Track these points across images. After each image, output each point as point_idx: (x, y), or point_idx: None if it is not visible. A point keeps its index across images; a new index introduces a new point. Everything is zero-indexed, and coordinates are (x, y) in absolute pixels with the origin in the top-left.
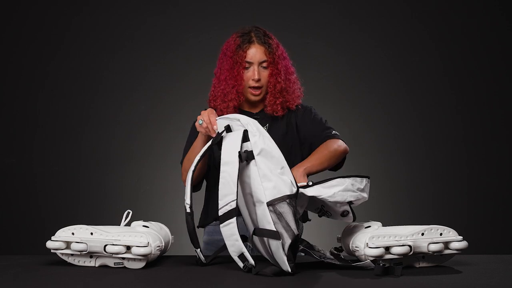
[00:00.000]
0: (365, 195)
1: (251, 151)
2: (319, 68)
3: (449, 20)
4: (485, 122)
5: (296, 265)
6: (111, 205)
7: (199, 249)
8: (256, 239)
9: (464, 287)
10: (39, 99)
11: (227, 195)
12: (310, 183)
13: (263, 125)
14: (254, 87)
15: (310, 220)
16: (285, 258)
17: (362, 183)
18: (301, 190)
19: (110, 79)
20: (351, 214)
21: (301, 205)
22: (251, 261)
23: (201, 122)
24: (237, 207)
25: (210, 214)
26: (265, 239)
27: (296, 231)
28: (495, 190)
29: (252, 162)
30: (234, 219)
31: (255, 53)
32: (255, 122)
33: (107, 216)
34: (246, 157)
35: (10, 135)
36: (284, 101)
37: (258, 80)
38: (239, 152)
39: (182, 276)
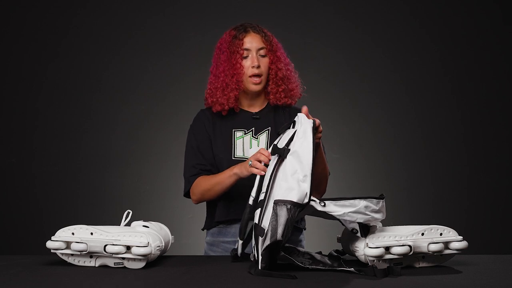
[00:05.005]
0: (379, 216)
1: (289, 150)
2: (319, 68)
3: (449, 20)
4: (485, 122)
5: (295, 265)
6: (111, 205)
7: (241, 241)
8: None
9: (464, 287)
10: (39, 99)
11: (264, 185)
12: (323, 204)
13: (263, 128)
14: (254, 75)
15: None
16: (260, 257)
17: (378, 204)
18: (312, 203)
19: (110, 79)
20: (359, 234)
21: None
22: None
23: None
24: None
25: (215, 219)
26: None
27: (280, 237)
28: (495, 190)
29: (285, 159)
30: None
31: (251, 40)
32: (309, 124)
33: (107, 216)
34: (280, 153)
35: (10, 135)
36: (286, 89)
37: (258, 67)
38: (275, 144)
39: (182, 276)
